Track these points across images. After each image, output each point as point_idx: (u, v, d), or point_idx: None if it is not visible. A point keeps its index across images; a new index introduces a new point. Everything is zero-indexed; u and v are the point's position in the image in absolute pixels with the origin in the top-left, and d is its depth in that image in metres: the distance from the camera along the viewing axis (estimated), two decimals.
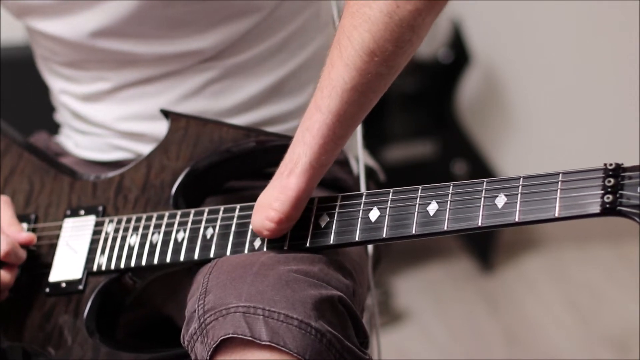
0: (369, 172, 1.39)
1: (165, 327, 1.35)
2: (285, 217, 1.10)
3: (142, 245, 1.21)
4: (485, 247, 2.88)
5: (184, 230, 1.19)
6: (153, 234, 1.21)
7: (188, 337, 1.09)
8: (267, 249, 1.13)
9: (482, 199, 1.04)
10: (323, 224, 1.12)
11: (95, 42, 1.31)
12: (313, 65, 1.35)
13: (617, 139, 2.92)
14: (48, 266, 1.26)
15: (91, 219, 1.27)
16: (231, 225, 1.16)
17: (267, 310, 1.04)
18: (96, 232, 1.25)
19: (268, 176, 1.13)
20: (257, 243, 1.14)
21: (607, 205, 0.97)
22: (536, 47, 2.94)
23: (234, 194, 1.31)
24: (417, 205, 1.07)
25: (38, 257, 1.27)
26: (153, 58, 1.32)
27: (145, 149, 1.32)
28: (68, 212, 1.29)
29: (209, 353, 1.05)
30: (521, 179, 1.02)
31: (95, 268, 1.23)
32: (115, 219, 1.25)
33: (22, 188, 1.33)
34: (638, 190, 0.96)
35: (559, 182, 1.00)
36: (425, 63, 2.79)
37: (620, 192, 0.97)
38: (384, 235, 1.08)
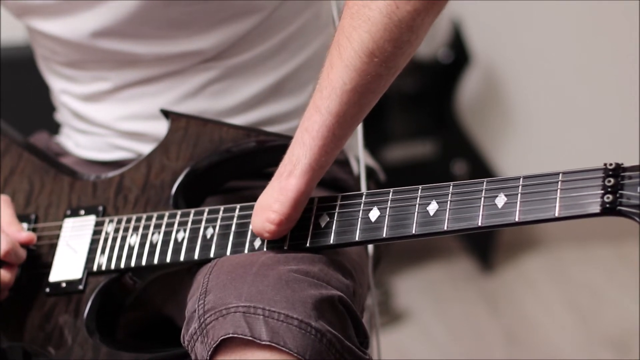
0: (369, 172, 1.39)
1: (165, 327, 1.35)
2: (285, 218, 1.10)
3: (142, 245, 1.21)
4: (485, 247, 2.88)
5: (184, 230, 1.19)
6: (153, 234, 1.21)
7: (188, 337, 1.09)
8: (267, 248, 1.13)
9: (482, 199, 1.04)
10: (323, 224, 1.12)
11: (95, 43, 1.31)
12: (313, 65, 1.35)
13: (617, 139, 2.92)
14: (48, 266, 1.26)
15: (91, 219, 1.27)
16: (231, 225, 1.16)
17: (267, 310, 1.04)
18: (96, 232, 1.25)
19: (268, 176, 1.13)
20: (257, 243, 1.14)
21: (607, 205, 0.97)
22: (536, 47, 2.94)
23: (234, 194, 1.31)
24: (417, 205, 1.07)
25: (38, 257, 1.27)
26: (153, 58, 1.32)
27: (146, 148, 1.33)
28: (68, 212, 1.29)
29: (209, 353, 1.05)
30: (521, 179, 1.02)
31: (95, 268, 1.24)
32: (115, 219, 1.25)
33: (22, 188, 1.33)
34: (638, 190, 0.96)
35: (559, 182, 1.00)
36: (425, 63, 2.79)
37: (620, 192, 0.97)
38: (384, 235, 1.08)
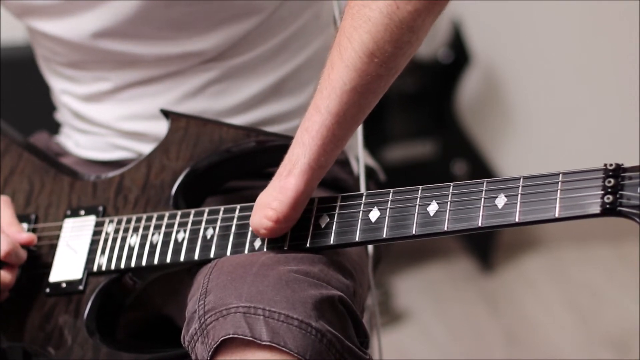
0: (369, 172, 1.39)
1: (165, 328, 1.35)
2: (283, 216, 1.10)
3: (142, 246, 1.21)
4: (485, 247, 2.88)
5: (184, 231, 1.19)
6: (153, 234, 1.21)
7: (188, 337, 1.09)
8: (267, 249, 1.13)
9: (482, 199, 1.04)
10: (323, 224, 1.12)
11: (96, 43, 1.31)
12: (313, 65, 1.36)
13: (617, 139, 2.92)
14: (48, 266, 1.26)
15: (91, 219, 1.27)
16: (231, 225, 1.16)
17: (267, 311, 1.04)
18: (96, 233, 1.25)
19: (268, 176, 1.13)
20: (257, 243, 1.14)
21: (607, 206, 0.97)
22: (536, 47, 2.94)
23: (234, 194, 1.31)
24: (417, 205, 1.07)
25: (38, 258, 1.27)
26: (154, 59, 1.32)
27: (146, 148, 1.33)
28: (68, 212, 1.29)
29: (210, 353, 1.05)
30: (521, 179, 1.02)
31: (95, 268, 1.24)
32: (116, 219, 1.25)
33: (22, 188, 1.33)
34: (638, 191, 0.96)
35: (559, 183, 1.00)
36: (425, 63, 2.79)
37: (620, 192, 0.97)
38: (384, 236, 1.08)
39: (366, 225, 1.09)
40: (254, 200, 1.13)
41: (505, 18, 2.92)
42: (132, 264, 1.21)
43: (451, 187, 1.06)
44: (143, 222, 1.22)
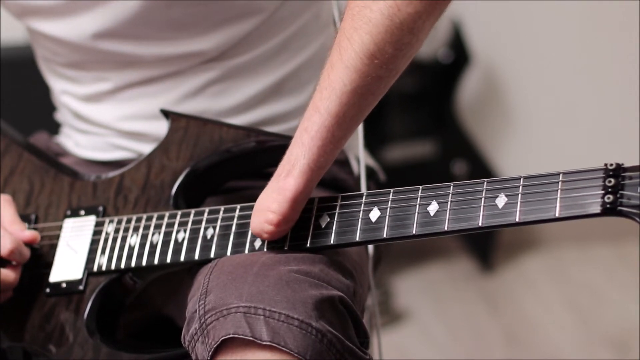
0: (369, 172, 1.39)
1: (165, 328, 1.35)
2: (283, 218, 1.10)
3: (142, 246, 1.21)
4: (485, 247, 2.88)
5: (184, 231, 1.19)
6: (153, 234, 1.21)
7: (189, 337, 1.09)
8: (267, 249, 1.13)
9: (483, 199, 1.04)
10: (323, 224, 1.12)
11: (96, 44, 1.31)
12: (313, 65, 1.36)
13: (617, 139, 2.92)
14: (48, 266, 1.26)
15: (91, 219, 1.27)
16: (231, 225, 1.16)
17: (267, 311, 1.04)
18: (96, 233, 1.25)
19: (268, 176, 1.13)
20: (258, 243, 1.14)
21: (608, 205, 0.97)
22: (536, 47, 2.94)
23: (234, 194, 1.31)
24: (417, 205, 1.07)
25: (38, 258, 1.27)
26: (154, 59, 1.32)
27: (146, 148, 1.33)
28: (68, 212, 1.29)
29: (210, 353, 1.05)
30: (521, 179, 1.02)
31: (95, 268, 1.24)
32: (116, 219, 1.25)
33: (22, 188, 1.33)
34: (638, 191, 0.96)
35: (560, 182, 1.00)
36: (425, 63, 2.79)
37: (620, 192, 0.97)
38: (385, 236, 1.08)
39: (366, 225, 1.09)
40: (254, 200, 1.13)
41: (505, 18, 2.92)
42: (132, 264, 1.21)
43: (451, 187, 1.06)
44: (143, 222, 1.22)
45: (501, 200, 1.03)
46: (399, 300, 2.73)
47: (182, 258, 1.18)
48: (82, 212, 1.28)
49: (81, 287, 1.23)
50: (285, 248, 1.12)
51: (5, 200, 1.27)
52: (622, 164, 0.98)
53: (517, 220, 1.01)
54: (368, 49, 1.07)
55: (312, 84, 1.32)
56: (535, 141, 2.99)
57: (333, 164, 1.12)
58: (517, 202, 1.02)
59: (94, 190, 1.29)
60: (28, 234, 1.25)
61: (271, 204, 1.09)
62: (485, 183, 1.04)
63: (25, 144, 1.37)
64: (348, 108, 1.09)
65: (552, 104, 2.96)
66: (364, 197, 1.10)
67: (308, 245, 1.12)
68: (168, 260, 1.19)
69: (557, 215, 0.99)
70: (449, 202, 1.05)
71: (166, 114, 1.28)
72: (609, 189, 0.97)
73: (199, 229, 1.18)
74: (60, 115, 1.47)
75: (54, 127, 1.51)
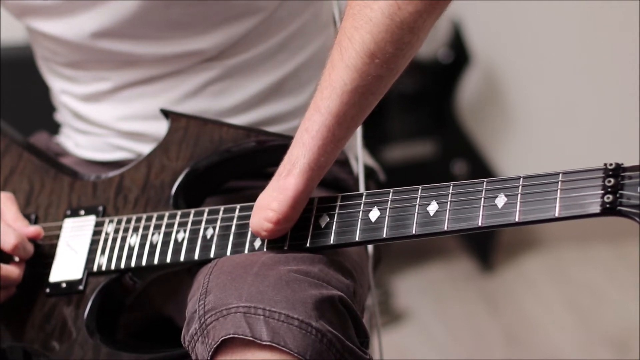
0: (369, 172, 1.39)
1: (165, 328, 1.35)
2: (283, 217, 1.10)
3: (142, 246, 1.21)
4: (485, 247, 2.88)
5: (184, 231, 1.19)
6: (153, 234, 1.21)
7: (189, 337, 1.09)
8: (267, 249, 1.13)
9: (482, 199, 1.04)
10: (323, 224, 1.12)
11: (95, 43, 1.31)
12: (313, 65, 1.36)
13: (617, 139, 2.92)
14: (48, 266, 1.26)
15: (91, 219, 1.27)
16: (231, 225, 1.16)
17: (267, 311, 1.04)
18: (96, 233, 1.25)
19: (268, 176, 1.13)
20: (257, 243, 1.14)
21: (607, 205, 0.97)
22: (536, 47, 2.94)
23: (234, 194, 1.31)
24: (417, 205, 1.07)
25: (38, 258, 1.27)
26: (153, 58, 1.32)
27: (146, 148, 1.33)
28: (68, 212, 1.29)
29: (210, 353, 1.05)
30: (521, 179, 1.02)
31: (95, 268, 1.24)
32: (115, 219, 1.25)
33: (22, 188, 1.33)
34: (638, 190, 0.96)
35: (559, 182, 1.00)
36: (425, 63, 2.79)
37: (620, 192, 0.97)
38: (384, 236, 1.08)
39: (366, 225, 1.09)
40: (254, 200, 1.13)
41: (505, 18, 2.92)
42: (132, 264, 1.21)
43: (451, 187, 1.06)
44: (143, 222, 1.22)
45: (501, 200, 1.03)
46: (399, 300, 2.73)
47: (181, 258, 1.18)
48: (82, 212, 1.28)
49: (81, 287, 1.23)
50: (285, 248, 1.12)
51: (7, 197, 1.28)
52: (622, 164, 0.98)
53: (516, 220, 1.01)
54: (369, 48, 1.07)
55: (312, 84, 1.32)
56: (535, 141, 2.99)
57: (334, 164, 1.12)
58: (516, 202, 1.02)
59: (93, 190, 1.29)
60: (32, 229, 1.25)
61: (271, 202, 1.10)
62: (484, 183, 1.04)
63: (25, 144, 1.37)
64: (349, 107, 1.09)
65: (552, 104, 2.96)
66: (363, 197, 1.10)
67: (308, 245, 1.12)
68: (168, 260, 1.19)
69: (556, 215, 0.99)
70: (449, 202, 1.05)
71: (166, 113, 1.28)
72: (609, 189, 0.97)
73: (199, 229, 1.18)
74: (60, 116, 1.47)
75: (54, 127, 1.51)
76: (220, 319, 1.05)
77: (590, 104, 2.96)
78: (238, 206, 1.17)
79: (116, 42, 1.30)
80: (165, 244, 1.20)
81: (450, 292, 2.84)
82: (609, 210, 0.97)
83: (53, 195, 1.31)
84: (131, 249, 1.22)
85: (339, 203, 1.11)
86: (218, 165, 1.24)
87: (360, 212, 1.10)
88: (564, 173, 1.00)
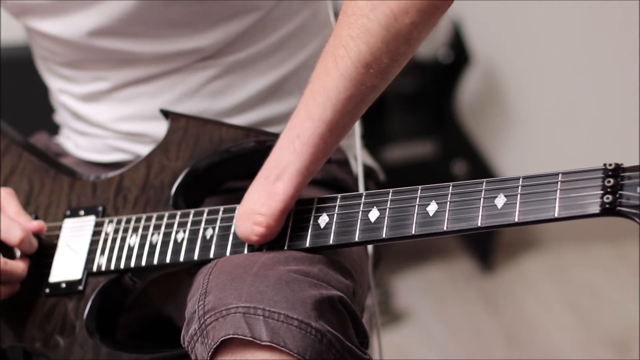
0: (369, 172, 1.39)
1: (165, 328, 1.35)
2: (274, 221, 1.11)
3: (141, 246, 1.21)
4: (485, 247, 2.88)
5: (184, 231, 1.19)
6: (153, 234, 1.21)
7: (188, 337, 1.09)
8: (266, 249, 1.13)
9: (482, 199, 1.04)
10: (323, 224, 1.12)
11: (93, 42, 1.31)
12: (312, 65, 1.34)
13: (617, 139, 2.92)
14: (48, 266, 1.26)
15: (91, 220, 1.27)
16: (231, 225, 1.16)
17: (267, 311, 1.04)
18: (96, 233, 1.25)
19: None
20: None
21: (607, 206, 0.97)
22: (536, 47, 2.94)
23: (233, 194, 1.31)
24: (416, 205, 1.07)
25: (38, 258, 1.27)
26: (152, 57, 1.32)
27: (145, 149, 1.32)
28: (68, 213, 1.29)
29: (210, 353, 1.05)
30: (521, 179, 1.02)
31: (95, 268, 1.24)
32: (115, 219, 1.25)
33: (22, 188, 1.33)
34: (638, 191, 0.96)
35: (559, 182, 1.00)
36: (425, 63, 2.79)
37: (619, 192, 0.97)
38: (384, 236, 1.08)
39: (366, 225, 1.09)
40: None
41: (505, 18, 2.92)
42: (132, 264, 1.21)
43: (451, 187, 1.06)
44: (142, 222, 1.22)
45: (500, 201, 1.03)
46: (399, 300, 2.73)
47: (181, 258, 1.18)
48: (82, 212, 1.28)
49: (81, 287, 1.23)
50: (285, 248, 1.12)
51: (7, 192, 1.28)
52: (622, 164, 0.98)
53: (516, 220, 1.01)
54: (365, 58, 1.08)
55: None
56: (535, 141, 2.99)
57: (333, 164, 1.13)
58: (516, 202, 1.02)
59: (93, 191, 1.29)
60: (35, 224, 1.25)
61: (260, 207, 1.10)
62: (484, 183, 1.04)
63: (25, 144, 1.37)
64: (342, 116, 1.10)
65: (552, 104, 2.96)
66: (363, 197, 1.10)
67: (307, 245, 1.12)
68: (167, 260, 1.19)
69: (556, 215, 0.99)
70: (448, 202, 1.05)
71: (165, 113, 1.28)
72: (608, 189, 0.97)
73: (199, 229, 1.18)
74: (59, 117, 1.47)
75: (54, 128, 1.51)
76: (220, 320, 1.05)
77: (590, 104, 2.96)
78: (237, 206, 1.17)
79: (113, 40, 1.30)
80: (165, 244, 1.20)
81: (450, 292, 2.84)
82: (608, 210, 0.97)
83: (53, 196, 1.31)
84: (131, 249, 1.22)
85: (338, 203, 1.11)
86: (218, 165, 1.25)
87: (360, 213, 1.10)
88: (563, 173, 1.00)
